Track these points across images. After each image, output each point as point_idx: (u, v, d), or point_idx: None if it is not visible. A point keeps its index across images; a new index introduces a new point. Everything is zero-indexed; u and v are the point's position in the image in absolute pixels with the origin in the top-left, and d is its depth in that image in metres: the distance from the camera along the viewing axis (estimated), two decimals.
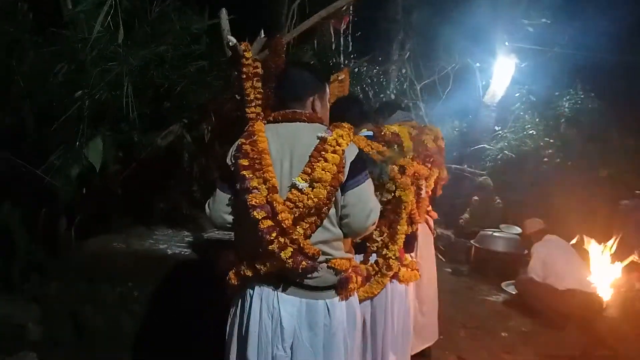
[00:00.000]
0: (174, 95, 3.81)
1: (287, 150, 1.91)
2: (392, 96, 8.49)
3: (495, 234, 6.18)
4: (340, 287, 1.97)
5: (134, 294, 3.51)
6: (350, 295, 2.04)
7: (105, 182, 3.96)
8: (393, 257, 2.39)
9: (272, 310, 1.91)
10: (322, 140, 1.89)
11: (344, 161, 1.88)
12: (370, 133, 2.50)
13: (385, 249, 2.40)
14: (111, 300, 3.48)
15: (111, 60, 3.29)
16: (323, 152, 1.86)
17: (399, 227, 2.37)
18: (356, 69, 6.87)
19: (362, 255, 2.41)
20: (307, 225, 1.86)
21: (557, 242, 4.90)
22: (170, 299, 3.43)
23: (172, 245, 4.01)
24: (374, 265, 2.42)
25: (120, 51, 3.19)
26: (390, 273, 2.41)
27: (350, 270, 2.01)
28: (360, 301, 2.24)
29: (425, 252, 3.49)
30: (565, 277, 4.57)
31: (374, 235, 2.36)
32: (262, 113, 3.22)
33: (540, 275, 4.71)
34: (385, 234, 2.39)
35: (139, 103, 3.67)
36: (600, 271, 4.59)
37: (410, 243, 2.64)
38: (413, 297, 2.66)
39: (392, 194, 2.34)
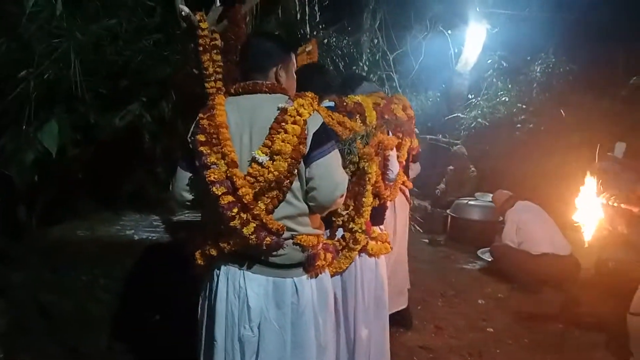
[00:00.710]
0: (130, 72, 3.62)
1: (246, 123, 1.84)
2: (365, 67, 8.34)
3: (470, 202, 6.20)
4: (308, 265, 1.92)
5: (100, 281, 3.41)
6: (319, 273, 1.99)
7: (65, 167, 3.80)
8: (360, 231, 2.32)
9: (239, 290, 1.86)
10: (283, 111, 1.82)
11: (305, 132, 1.81)
12: (332, 104, 2.40)
13: (351, 223, 2.32)
14: (77, 288, 3.38)
15: (58, 37, 3.08)
16: (283, 123, 1.79)
17: (364, 199, 2.29)
18: (325, 40, 6.69)
19: (328, 230, 2.33)
20: (269, 200, 1.80)
21: (529, 207, 4.92)
22: (138, 285, 3.34)
23: (140, 230, 3.90)
24: (341, 240, 2.34)
25: (64, 26, 2.97)
26: (358, 247, 2.34)
27: (319, 247, 1.96)
28: (330, 276, 2.17)
29: (403, 220, 3.48)
30: (539, 241, 4.61)
31: (339, 210, 2.28)
32: (223, 88, 3.07)
33: (515, 241, 4.74)
34: (351, 208, 2.31)
35: (94, 82, 3.49)
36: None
37: (378, 215, 2.57)
38: (384, 269, 2.59)
39: (356, 166, 2.25)
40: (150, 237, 3.72)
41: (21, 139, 3.31)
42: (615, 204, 2.96)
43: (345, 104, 2.39)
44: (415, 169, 3.56)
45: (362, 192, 2.28)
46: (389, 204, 3.21)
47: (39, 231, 3.86)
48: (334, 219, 2.33)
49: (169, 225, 4.06)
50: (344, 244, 2.34)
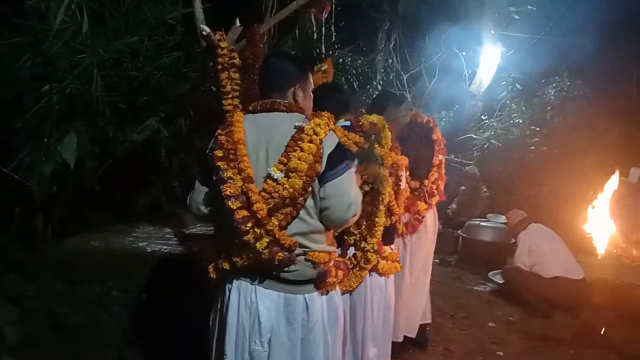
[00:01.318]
0: (149, 88, 3.71)
1: (263, 140, 1.87)
2: (379, 87, 8.41)
3: (482, 223, 6.15)
4: (319, 281, 1.92)
5: (113, 293, 3.45)
6: (330, 290, 2.00)
7: (82, 179, 3.88)
8: (371, 250, 2.33)
9: (250, 305, 1.88)
10: (299, 129, 1.85)
11: (321, 151, 1.83)
12: (348, 123, 2.43)
13: (363, 242, 2.34)
14: (90, 299, 3.41)
15: (81, 53, 3.18)
16: (299, 142, 1.82)
17: (376, 219, 2.31)
18: (340, 59, 6.78)
19: (340, 248, 2.34)
20: (282, 216, 1.82)
21: (542, 231, 4.87)
22: (150, 297, 3.37)
23: (152, 243, 3.94)
24: (352, 259, 2.36)
25: (88, 42, 3.07)
26: (369, 266, 2.35)
27: (330, 264, 1.97)
28: None
29: (431, 239, 3.49)
30: (551, 265, 4.56)
31: (351, 228, 2.30)
32: (240, 105, 3.13)
33: (527, 263, 4.69)
34: (363, 227, 2.33)
35: (113, 97, 3.58)
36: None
37: (389, 235, 2.58)
38: (393, 289, 2.60)
39: (369, 186, 2.27)
40: (162, 250, 3.76)
41: (41, 151, 3.39)
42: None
43: (361, 123, 2.42)
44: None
45: (374, 212, 2.30)
46: (432, 220, 3.30)
47: (54, 242, 3.92)
48: (345, 237, 2.35)
49: (181, 238, 4.11)
50: (355, 262, 2.35)
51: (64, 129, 3.43)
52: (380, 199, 2.28)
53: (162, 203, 4.41)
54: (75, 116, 3.45)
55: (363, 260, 2.34)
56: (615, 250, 2.97)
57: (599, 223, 2.89)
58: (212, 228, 3.82)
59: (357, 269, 2.34)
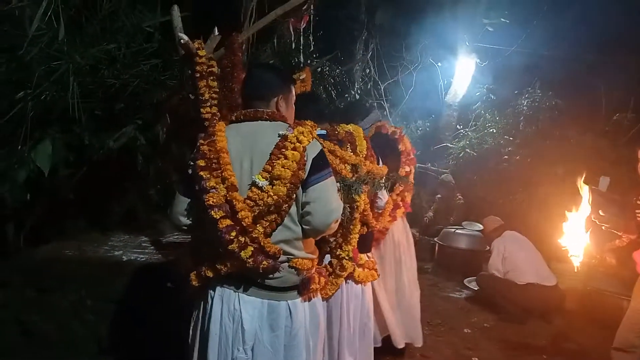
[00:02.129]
0: (126, 95, 3.68)
1: (247, 149, 1.89)
2: (357, 96, 8.50)
3: (457, 231, 6.25)
4: (303, 288, 1.95)
5: (87, 302, 3.39)
6: (313, 297, 2.03)
7: (57, 187, 3.81)
8: (347, 258, 2.36)
9: (233, 312, 1.88)
10: (283, 137, 1.88)
11: (305, 158, 1.87)
12: (323, 132, 2.46)
13: (338, 250, 2.37)
14: (62, 308, 3.35)
15: (57, 59, 3.14)
16: (283, 150, 1.85)
17: (352, 227, 2.34)
18: (319, 69, 6.84)
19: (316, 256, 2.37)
20: (268, 224, 1.84)
21: (516, 238, 4.98)
22: (125, 306, 3.32)
23: (128, 251, 3.89)
24: (328, 266, 2.38)
25: (64, 49, 3.04)
26: (344, 274, 2.38)
27: (312, 271, 2.00)
28: None
29: (407, 248, 3.51)
30: (524, 271, 4.66)
31: (327, 236, 2.32)
32: (218, 113, 3.14)
33: (501, 270, 4.79)
34: (339, 235, 2.36)
35: (90, 103, 3.55)
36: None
37: (365, 243, 2.61)
38: (371, 297, 2.62)
39: (346, 194, 2.30)
40: (139, 258, 3.71)
41: (14, 158, 3.33)
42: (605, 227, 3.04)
43: (336, 132, 2.45)
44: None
45: (350, 220, 2.33)
46: (401, 228, 3.30)
47: (26, 250, 3.85)
48: (321, 245, 2.37)
49: (158, 247, 4.06)
50: (330, 270, 2.37)
51: (38, 135, 3.38)
52: (356, 207, 2.31)
53: (138, 211, 4.36)
54: (50, 123, 3.41)
55: (339, 267, 2.36)
56: (592, 261, 3.06)
57: (574, 235, 2.98)
58: (189, 237, 3.81)
59: (333, 276, 2.36)
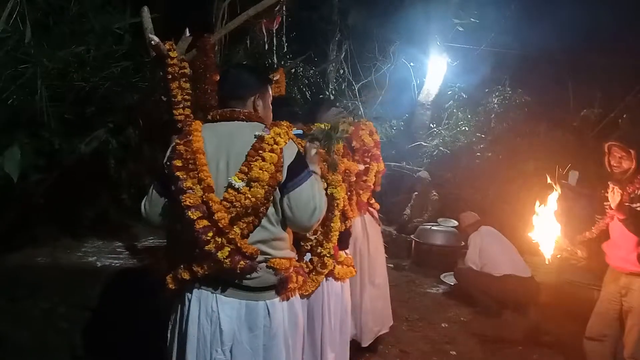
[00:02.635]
0: (97, 98, 3.62)
1: (223, 149, 1.88)
2: (331, 97, 8.53)
3: (433, 227, 6.34)
4: (281, 287, 1.95)
5: (60, 310, 3.32)
6: (291, 296, 2.02)
7: (27, 193, 3.73)
8: (328, 255, 2.38)
9: (211, 314, 1.87)
10: (260, 138, 1.87)
11: (282, 160, 1.86)
12: (300, 131, 2.47)
13: (319, 247, 2.38)
14: (35, 316, 3.28)
15: (24, 63, 3.07)
16: (260, 151, 1.84)
17: (332, 224, 2.36)
18: (292, 70, 6.85)
19: (296, 253, 2.37)
20: (245, 225, 1.84)
21: (491, 232, 5.08)
22: (100, 313, 3.27)
23: (102, 257, 3.82)
24: (309, 264, 2.39)
25: (31, 52, 2.97)
26: (325, 271, 2.39)
27: (290, 270, 1.99)
28: None
29: (376, 240, 3.54)
30: (500, 264, 4.75)
31: (307, 234, 2.33)
32: (191, 115, 3.11)
33: (477, 263, 4.87)
34: (319, 232, 2.38)
35: (59, 107, 3.48)
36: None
37: (344, 240, 2.63)
38: (349, 293, 2.65)
39: (324, 192, 2.32)
40: (113, 264, 3.65)
41: None
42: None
43: (312, 132, 2.46)
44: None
45: (330, 218, 2.34)
46: (360, 227, 3.31)
47: None
48: (302, 243, 2.38)
49: (133, 251, 4.01)
50: (311, 267, 2.38)
51: (6, 141, 3.29)
52: (335, 204, 2.33)
53: (111, 215, 4.29)
54: (18, 128, 3.32)
55: (320, 265, 2.38)
56: (559, 255, 3.13)
57: (544, 229, 3.05)
58: (165, 240, 3.77)
59: (314, 273, 2.37)
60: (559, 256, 3.20)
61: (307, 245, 2.41)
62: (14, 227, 3.76)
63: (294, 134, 2.42)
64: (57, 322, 3.23)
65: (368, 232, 3.47)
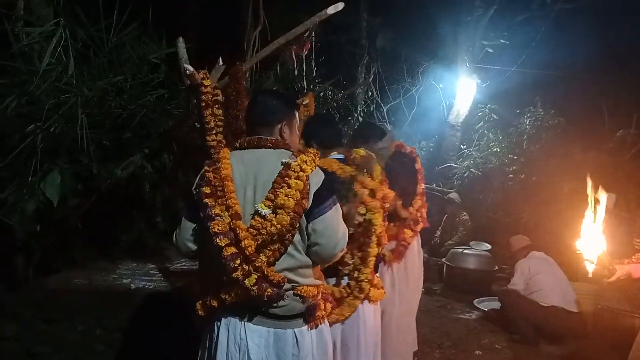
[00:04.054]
0: (133, 125, 3.74)
1: (251, 177, 1.89)
2: (360, 118, 8.59)
3: (465, 251, 6.21)
4: (309, 315, 1.92)
5: (96, 332, 3.40)
6: (319, 324, 1.99)
7: (65, 217, 3.85)
8: (366, 280, 2.36)
9: (240, 342, 1.86)
10: (286, 165, 1.87)
11: (308, 187, 1.86)
12: (341, 156, 2.48)
13: (357, 272, 2.37)
14: (72, 339, 3.36)
15: (66, 92, 3.21)
16: (286, 178, 1.84)
17: (369, 249, 2.35)
18: (321, 93, 6.93)
19: (335, 278, 2.37)
20: (271, 253, 1.83)
21: (543, 259, 4.85)
22: (134, 336, 3.33)
23: (136, 279, 3.91)
24: (346, 288, 2.38)
25: (73, 82, 3.11)
26: (362, 295, 2.38)
27: (318, 298, 1.97)
28: (331, 324, 2.20)
29: (418, 265, 3.53)
30: (550, 294, 4.52)
31: (345, 259, 2.33)
32: (223, 140, 3.18)
33: (523, 290, 4.68)
34: (357, 257, 2.36)
35: (98, 134, 3.61)
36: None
37: (376, 264, 2.62)
38: (379, 315, 2.63)
39: (363, 217, 2.32)
40: (147, 286, 3.73)
41: (24, 189, 3.38)
42: None
43: (353, 157, 2.47)
44: None
45: (367, 243, 2.34)
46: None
47: (36, 281, 3.87)
48: (340, 267, 2.37)
49: (166, 274, 4.08)
50: (349, 291, 2.38)
51: (47, 167, 3.43)
52: (373, 230, 2.33)
53: (146, 238, 4.39)
54: (58, 154, 3.46)
55: (357, 289, 2.36)
56: (604, 271, 3.01)
57: (590, 240, 2.93)
58: (197, 264, 3.83)
59: (351, 297, 2.36)
60: (604, 271, 3.08)
61: (345, 270, 2.39)
62: (52, 250, 3.89)
63: (335, 159, 2.44)
64: (93, 344, 3.30)
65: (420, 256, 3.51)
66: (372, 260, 2.39)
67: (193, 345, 2.14)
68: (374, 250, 2.38)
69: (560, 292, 4.53)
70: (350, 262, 2.37)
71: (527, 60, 7.81)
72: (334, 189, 2.02)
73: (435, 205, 7.70)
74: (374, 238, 2.37)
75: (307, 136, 2.48)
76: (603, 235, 2.95)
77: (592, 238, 2.95)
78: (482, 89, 8.19)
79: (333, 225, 1.89)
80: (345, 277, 2.41)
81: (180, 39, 3.23)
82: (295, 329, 1.90)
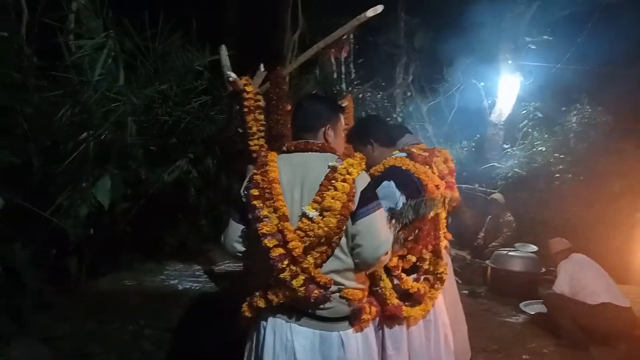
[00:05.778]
0: (178, 131, 3.86)
1: (298, 180, 1.92)
2: (399, 119, 8.53)
3: (510, 253, 6.05)
4: (354, 318, 1.93)
5: (145, 332, 3.49)
6: (365, 327, 2.00)
7: (115, 220, 4.00)
8: (444, 272, 2.43)
9: (286, 343, 1.88)
10: (333, 169, 1.90)
11: (354, 190, 1.87)
12: (404, 154, 2.49)
13: (433, 266, 2.43)
14: (122, 339, 3.46)
15: (115, 101, 3.35)
16: (333, 181, 1.86)
17: (440, 242, 2.41)
18: (360, 95, 6.93)
19: (415, 274, 2.40)
20: (318, 255, 1.85)
21: (583, 260, 4.72)
22: (182, 336, 3.40)
23: (183, 280, 4.01)
24: (426, 283, 2.42)
25: (122, 91, 3.24)
26: (441, 286, 2.41)
27: (364, 301, 1.98)
28: (416, 320, 2.31)
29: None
30: (597, 291, 4.38)
31: (423, 254, 2.36)
32: (265, 145, 3.23)
33: (567, 292, 4.55)
34: (429, 252, 2.40)
35: (145, 140, 3.74)
36: None
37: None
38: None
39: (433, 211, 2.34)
40: (193, 287, 3.81)
41: (77, 194, 3.53)
42: None
43: (417, 154, 2.49)
44: None
45: (437, 236, 2.39)
46: None
47: (87, 283, 4.02)
48: (420, 264, 2.40)
49: (211, 275, 4.17)
50: (429, 285, 2.41)
51: (98, 172, 3.58)
52: (441, 222, 2.38)
53: (190, 241, 4.51)
54: (109, 160, 3.60)
55: (438, 282, 2.42)
56: None
57: None
58: (241, 265, 3.89)
59: (434, 289, 2.40)
60: None
61: (425, 265, 2.43)
62: (102, 253, 4.04)
63: (400, 156, 2.43)
64: (143, 344, 3.39)
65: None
66: (444, 253, 2.45)
67: (238, 345, 2.18)
68: (443, 242, 2.46)
69: (607, 287, 4.38)
70: (427, 256, 2.40)
71: (573, 57, 7.56)
72: (376, 192, 2.02)
73: (478, 206, 7.56)
74: (443, 230, 2.45)
75: (363, 137, 2.49)
76: None
77: None
78: (525, 86, 7.99)
79: (376, 227, 1.89)
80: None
81: (223, 47, 3.31)
82: (341, 332, 1.90)
